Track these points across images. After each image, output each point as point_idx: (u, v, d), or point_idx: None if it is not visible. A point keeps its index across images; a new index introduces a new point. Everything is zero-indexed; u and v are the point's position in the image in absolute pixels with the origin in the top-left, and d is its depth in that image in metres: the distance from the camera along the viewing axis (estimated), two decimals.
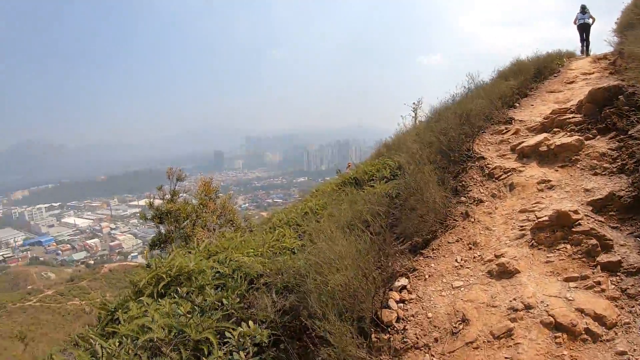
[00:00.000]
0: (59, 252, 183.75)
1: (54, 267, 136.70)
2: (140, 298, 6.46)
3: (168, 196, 20.66)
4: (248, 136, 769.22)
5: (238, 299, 5.45)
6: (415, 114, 17.82)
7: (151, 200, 20.64)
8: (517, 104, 12.87)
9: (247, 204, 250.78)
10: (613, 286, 5.30)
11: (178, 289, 5.88)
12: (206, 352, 4.79)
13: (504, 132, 10.66)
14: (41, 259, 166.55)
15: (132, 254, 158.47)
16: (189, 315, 5.04)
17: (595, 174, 7.64)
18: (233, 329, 4.84)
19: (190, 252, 7.88)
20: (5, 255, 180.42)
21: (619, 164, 7.50)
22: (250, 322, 4.88)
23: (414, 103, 18.02)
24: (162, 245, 20.20)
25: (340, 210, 7.92)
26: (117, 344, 5.08)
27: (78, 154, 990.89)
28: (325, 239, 5.51)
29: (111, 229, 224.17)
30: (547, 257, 6.04)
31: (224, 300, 5.45)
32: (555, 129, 9.62)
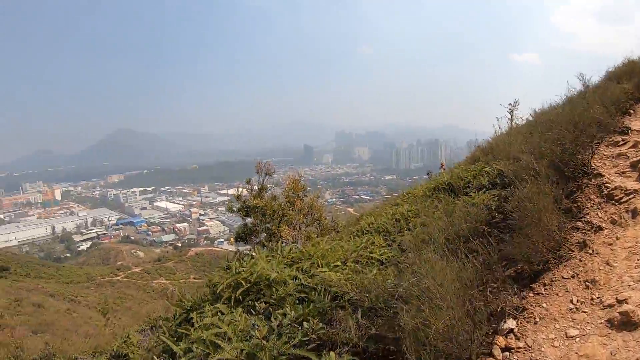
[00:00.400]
0: (149, 233, 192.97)
1: (144, 247, 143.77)
2: (216, 305, 6.26)
3: (256, 189, 20.58)
4: (338, 132, 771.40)
5: (320, 325, 4.97)
6: (512, 116, 16.95)
7: (239, 192, 20.67)
8: (632, 111, 11.14)
9: (334, 199, 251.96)
10: None
11: (256, 304, 5.56)
12: None
13: (620, 143, 9.07)
14: (132, 238, 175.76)
15: (219, 240, 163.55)
16: (265, 341, 4.66)
17: None
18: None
19: (273, 257, 7.58)
20: (99, 232, 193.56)
21: None
22: (332, 354, 4.41)
23: (510, 104, 17.13)
24: (247, 237, 20.17)
25: (434, 220, 7.29)
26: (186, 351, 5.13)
27: (172, 143, 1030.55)
28: (423, 264, 4.81)
29: (200, 214, 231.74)
30: None
31: (304, 323, 5.02)
32: None
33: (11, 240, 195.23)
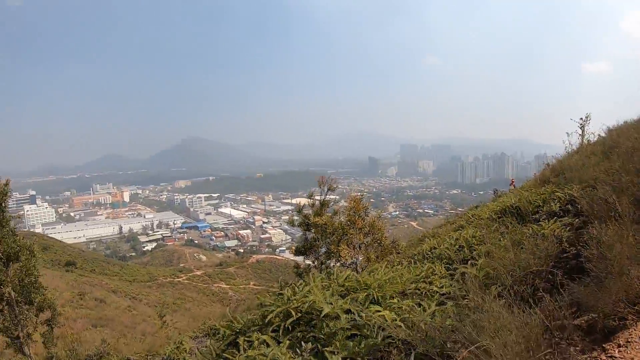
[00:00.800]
0: (213, 237, 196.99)
1: (206, 250, 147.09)
2: (263, 336, 5.94)
3: (318, 204, 20.24)
4: (403, 144, 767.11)
5: None
6: (583, 132, 15.70)
7: (300, 207, 20.45)
8: None
9: (397, 212, 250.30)
10: None
11: (303, 344, 5.21)
12: None
13: None
14: (196, 241, 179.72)
15: (280, 248, 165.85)
16: None
17: None
18: None
19: (328, 285, 7.24)
20: (164, 235, 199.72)
21: None
22: None
23: (581, 119, 15.91)
24: (306, 251, 19.90)
25: (499, 250, 6.72)
26: None
27: (239, 151, 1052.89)
28: (486, 315, 4.22)
29: (263, 222, 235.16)
30: None
31: None
32: None
33: (80, 237, 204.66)
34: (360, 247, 15.74)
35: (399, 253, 13.19)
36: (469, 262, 7.44)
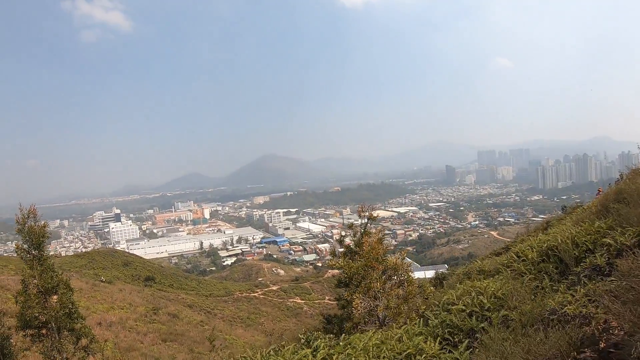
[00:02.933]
0: (291, 252, 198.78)
1: (285, 265, 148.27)
2: None
3: (357, 236, 19.00)
4: (480, 151, 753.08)
5: None
6: None
7: (342, 237, 19.78)
8: None
9: (477, 222, 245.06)
10: None
11: None
12: None
13: None
14: (274, 256, 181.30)
15: None
16: None
17: None
18: None
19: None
20: (243, 250, 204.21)
21: None
22: None
23: None
24: (345, 286, 18.54)
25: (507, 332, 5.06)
26: None
27: (314, 167, 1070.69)
28: None
29: (342, 236, 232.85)
30: None
31: None
32: None
33: (162, 253, 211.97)
34: (378, 297, 13.76)
35: (426, 299, 11.37)
36: (477, 335, 5.86)
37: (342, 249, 19.68)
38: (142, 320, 34.17)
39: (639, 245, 6.10)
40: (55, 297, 14.94)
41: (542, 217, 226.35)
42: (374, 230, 19.89)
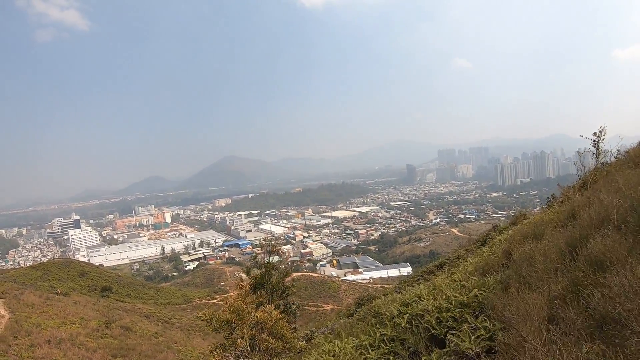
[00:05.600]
0: (254, 254, 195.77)
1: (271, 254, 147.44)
2: None
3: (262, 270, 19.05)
4: (440, 149, 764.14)
5: None
6: (597, 150, 13.57)
7: (249, 268, 19.82)
8: None
9: (438, 219, 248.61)
10: None
11: None
12: None
13: None
14: (237, 259, 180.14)
15: (321, 262, 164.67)
16: None
17: None
18: None
19: None
20: (205, 254, 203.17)
21: None
22: None
23: (594, 134, 13.59)
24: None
25: None
26: None
27: (275, 168, 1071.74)
28: None
29: (304, 237, 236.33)
30: None
31: None
32: None
33: (123, 259, 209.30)
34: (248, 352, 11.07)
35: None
36: None
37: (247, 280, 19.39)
38: (93, 335, 33.42)
39: (488, 353, 4.97)
40: None
41: (502, 214, 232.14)
42: (283, 266, 20.05)
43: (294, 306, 19.29)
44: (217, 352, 10.75)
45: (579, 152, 13.97)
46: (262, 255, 19.18)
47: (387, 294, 15.13)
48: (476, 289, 6.15)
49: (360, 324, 8.09)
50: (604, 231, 5.46)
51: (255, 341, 10.56)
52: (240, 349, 10.34)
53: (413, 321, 5.97)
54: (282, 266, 19.68)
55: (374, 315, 7.69)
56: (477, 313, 5.64)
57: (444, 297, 6.24)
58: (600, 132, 13.54)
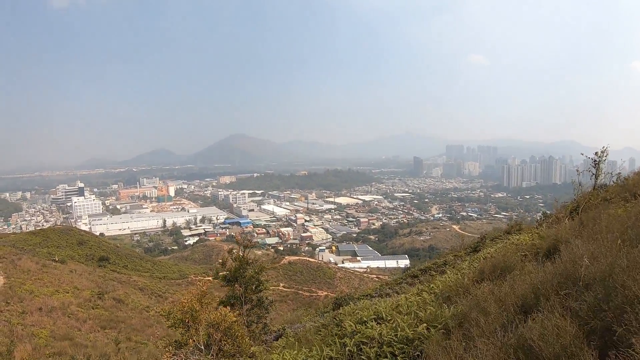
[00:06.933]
0: (254, 234, 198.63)
1: (246, 248, 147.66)
2: None
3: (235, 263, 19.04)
4: (449, 145, 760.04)
5: None
6: (597, 171, 13.52)
7: (224, 260, 19.68)
8: None
9: (440, 214, 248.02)
10: None
11: None
12: None
13: None
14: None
15: (320, 247, 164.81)
16: None
17: None
18: None
19: None
20: (206, 230, 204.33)
21: None
22: None
23: (595, 154, 13.56)
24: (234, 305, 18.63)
25: None
26: None
27: (283, 149, 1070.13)
28: None
29: (305, 220, 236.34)
30: None
31: None
32: None
33: (125, 229, 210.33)
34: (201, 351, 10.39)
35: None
36: None
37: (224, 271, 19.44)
38: (85, 305, 33.82)
39: None
40: None
41: (504, 215, 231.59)
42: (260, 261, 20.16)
43: (267, 301, 19.19)
44: (169, 350, 10.45)
45: (577, 170, 13.90)
46: (239, 249, 19.10)
47: (361, 299, 15.31)
48: (425, 325, 6.26)
49: (322, 331, 8.22)
50: (563, 295, 5.22)
51: (210, 341, 10.36)
52: (191, 348, 10.14)
53: (359, 346, 6.18)
54: (258, 261, 19.59)
55: (337, 324, 7.87)
56: (416, 354, 5.79)
57: (394, 324, 6.43)
58: (603, 152, 13.53)
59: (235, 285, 18.47)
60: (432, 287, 9.12)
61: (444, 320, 6.22)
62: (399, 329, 6.21)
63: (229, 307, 13.23)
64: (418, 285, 11.33)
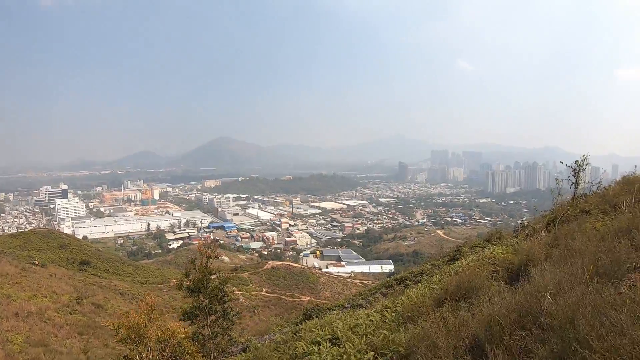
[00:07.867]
0: (239, 238, 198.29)
1: (230, 252, 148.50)
2: None
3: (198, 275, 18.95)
4: (434, 150, 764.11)
5: None
6: (577, 180, 13.53)
7: (188, 270, 19.64)
8: None
9: (425, 220, 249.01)
10: None
11: None
12: None
13: None
14: (221, 241, 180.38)
15: (305, 252, 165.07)
16: None
17: None
18: None
19: None
20: (191, 234, 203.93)
21: None
22: None
23: (576, 162, 13.62)
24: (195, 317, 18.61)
25: None
26: None
27: (269, 153, 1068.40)
28: None
29: (290, 225, 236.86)
30: None
31: None
32: None
33: (108, 232, 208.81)
34: None
35: None
36: None
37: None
38: (63, 310, 33.46)
39: None
40: None
41: (489, 220, 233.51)
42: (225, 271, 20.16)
43: (232, 312, 19.22)
44: None
45: (557, 179, 13.90)
46: (201, 259, 18.99)
47: (333, 309, 15.33)
48: (372, 353, 6.26)
49: (281, 348, 8.23)
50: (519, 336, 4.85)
51: (160, 357, 10.26)
52: None
53: None
54: (221, 272, 19.58)
55: (297, 339, 7.86)
56: None
57: (342, 349, 6.45)
58: (583, 160, 13.58)
59: (200, 297, 18.44)
60: (397, 304, 9.08)
61: (395, 348, 6.17)
62: (345, 357, 6.20)
63: (189, 320, 13.38)
64: (383, 302, 11.24)
